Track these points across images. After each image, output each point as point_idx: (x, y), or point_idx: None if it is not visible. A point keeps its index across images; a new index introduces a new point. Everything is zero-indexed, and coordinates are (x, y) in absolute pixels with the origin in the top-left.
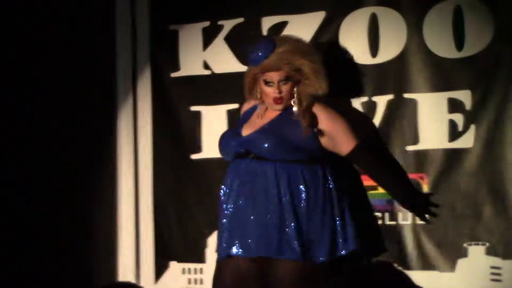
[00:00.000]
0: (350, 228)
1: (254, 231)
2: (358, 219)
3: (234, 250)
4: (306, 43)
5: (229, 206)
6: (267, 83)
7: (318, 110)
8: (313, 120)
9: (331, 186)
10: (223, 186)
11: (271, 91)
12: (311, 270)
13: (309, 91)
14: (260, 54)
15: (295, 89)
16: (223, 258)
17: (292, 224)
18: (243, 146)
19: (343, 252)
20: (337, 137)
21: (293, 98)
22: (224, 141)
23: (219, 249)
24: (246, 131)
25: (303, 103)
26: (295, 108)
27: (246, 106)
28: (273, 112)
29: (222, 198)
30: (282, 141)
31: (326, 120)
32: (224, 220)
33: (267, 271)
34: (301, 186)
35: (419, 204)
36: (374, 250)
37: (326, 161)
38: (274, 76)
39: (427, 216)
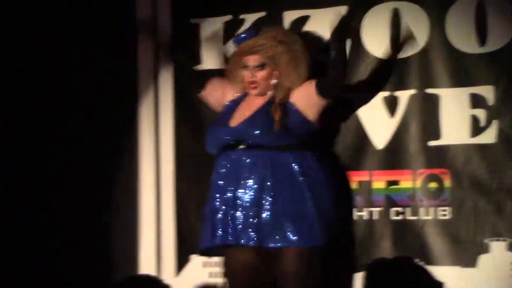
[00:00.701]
0: (336, 214)
1: (254, 221)
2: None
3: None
4: (289, 34)
5: (226, 197)
6: (244, 66)
7: (296, 91)
8: (288, 110)
9: (321, 171)
10: (215, 179)
11: (247, 75)
12: (311, 255)
13: (286, 84)
14: (241, 37)
15: (273, 81)
16: (229, 248)
17: (288, 212)
18: (234, 136)
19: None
20: (303, 88)
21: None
22: (212, 133)
23: (211, 239)
24: (235, 122)
25: (277, 96)
26: (269, 93)
27: (228, 98)
28: (258, 100)
29: (217, 187)
30: (272, 127)
31: (298, 92)
32: (220, 212)
33: (271, 260)
34: (295, 174)
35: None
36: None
37: (315, 146)
38: (250, 60)
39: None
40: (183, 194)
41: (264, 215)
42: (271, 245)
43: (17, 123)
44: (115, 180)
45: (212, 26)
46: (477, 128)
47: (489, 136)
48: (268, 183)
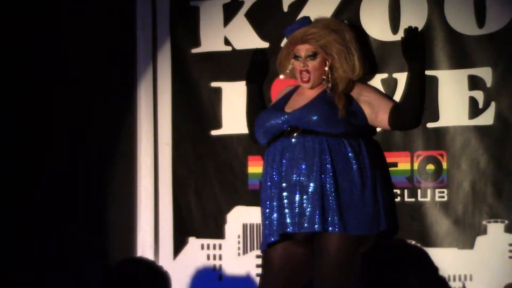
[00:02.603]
0: (388, 205)
1: (314, 207)
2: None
3: (290, 228)
4: (341, 23)
5: (287, 184)
6: (295, 57)
7: (359, 86)
8: (351, 103)
9: (372, 160)
10: (270, 167)
11: (298, 65)
12: (355, 243)
13: (342, 75)
14: (292, 26)
15: (326, 68)
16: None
17: (349, 199)
18: (290, 121)
19: (382, 228)
20: (377, 101)
21: (325, 78)
22: (265, 118)
23: (272, 231)
24: (289, 110)
25: (338, 87)
26: (328, 91)
27: (286, 90)
28: (312, 91)
29: (273, 178)
30: (329, 113)
31: (365, 91)
32: (284, 200)
33: (314, 245)
34: (351, 160)
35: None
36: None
37: (367, 135)
38: (301, 49)
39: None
40: (181, 178)
41: (327, 201)
42: (335, 230)
43: (15, 108)
44: (114, 162)
45: (211, 8)
46: (475, 110)
47: (487, 118)
48: (329, 169)
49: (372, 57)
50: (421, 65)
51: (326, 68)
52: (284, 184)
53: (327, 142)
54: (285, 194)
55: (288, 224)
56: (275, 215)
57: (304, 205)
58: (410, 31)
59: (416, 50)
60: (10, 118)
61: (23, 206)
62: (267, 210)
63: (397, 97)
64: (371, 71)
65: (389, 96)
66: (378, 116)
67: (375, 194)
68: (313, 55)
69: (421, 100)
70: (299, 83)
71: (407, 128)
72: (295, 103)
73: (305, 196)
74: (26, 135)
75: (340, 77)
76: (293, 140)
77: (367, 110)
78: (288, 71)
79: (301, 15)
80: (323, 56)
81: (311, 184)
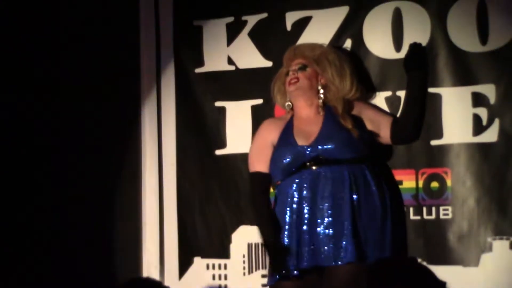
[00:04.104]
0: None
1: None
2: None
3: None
4: (329, 45)
5: (309, 216)
6: (287, 74)
7: (358, 105)
8: (356, 120)
9: (387, 184)
10: (290, 202)
11: (288, 78)
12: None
13: (338, 95)
14: None
15: (319, 87)
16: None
17: (374, 226)
18: (310, 154)
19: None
20: (377, 117)
21: (316, 92)
22: (283, 154)
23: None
24: (304, 141)
25: (338, 108)
26: (320, 101)
27: (274, 127)
28: (313, 115)
29: (294, 217)
30: (347, 138)
31: (366, 109)
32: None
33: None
34: (371, 186)
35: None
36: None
37: (376, 158)
38: (292, 64)
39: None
40: (186, 197)
41: (351, 231)
42: (371, 260)
43: (20, 127)
44: (118, 184)
45: (214, 28)
46: (479, 127)
47: (491, 135)
48: (355, 199)
49: (375, 75)
50: (422, 77)
51: (320, 88)
52: (307, 216)
53: (348, 169)
54: (304, 228)
55: (321, 258)
56: (306, 248)
57: (337, 237)
58: (414, 46)
59: (418, 63)
60: (12, 140)
61: (26, 228)
62: (287, 241)
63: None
64: (374, 89)
65: (387, 112)
66: (380, 131)
67: (395, 220)
68: (303, 68)
69: (420, 112)
70: (287, 92)
71: (408, 141)
72: (305, 133)
73: (330, 228)
74: (30, 159)
75: (334, 95)
76: (315, 171)
77: (370, 127)
78: (286, 104)
79: (304, 34)
80: (314, 69)
81: (335, 216)
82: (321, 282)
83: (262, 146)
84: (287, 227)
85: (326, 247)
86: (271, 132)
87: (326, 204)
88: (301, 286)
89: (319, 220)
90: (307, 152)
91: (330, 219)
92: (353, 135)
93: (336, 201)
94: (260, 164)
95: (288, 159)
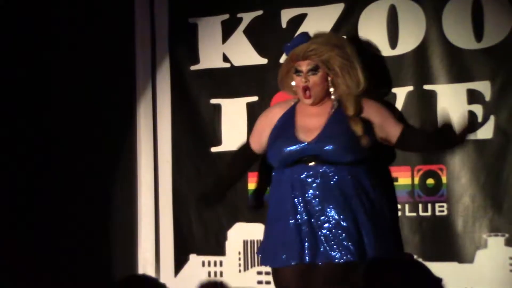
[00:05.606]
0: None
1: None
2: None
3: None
4: (342, 38)
5: (302, 216)
6: (297, 72)
7: (367, 105)
8: (365, 124)
9: (381, 186)
10: (287, 193)
11: (299, 80)
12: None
13: (343, 90)
14: (291, 43)
15: (331, 89)
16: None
17: (365, 226)
18: (308, 151)
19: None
20: (386, 124)
21: (328, 93)
22: (280, 149)
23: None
24: (304, 136)
25: (350, 109)
26: (335, 103)
27: (279, 112)
28: (318, 109)
29: (288, 208)
30: (348, 142)
31: (376, 113)
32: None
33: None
34: (368, 189)
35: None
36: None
37: (374, 160)
38: (303, 64)
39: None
40: (181, 194)
41: (349, 230)
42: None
43: (16, 122)
44: (114, 180)
45: (210, 25)
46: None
47: (486, 132)
48: (350, 200)
49: (370, 72)
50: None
51: (331, 89)
52: (305, 211)
53: (347, 171)
54: (304, 220)
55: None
56: (297, 239)
57: (327, 237)
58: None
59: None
60: (10, 134)
61: (22, 225)
62: (281, 229)
63: None
64: (370, 86)
65: (396, 110)
66: (387, 137)
67: (383, 220)
68: (315, 69)
69: (436, 147)
70: (300, 99)
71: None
72: (307, 128)
73: (326, 227)
74: (25, 154)
75: (344, 94)
76: (312, 169)
77: (378, 132)
78: (292, 88)
79: (299, 31)
80: (325, 70)
81: (333, 214)
82: (310, 275)
83: (264, 127)
84: (287, 217)
85: (323, 245)
86: (276, 118)
87: (317, 199)
88: (298, 275)
89: (313, 218)
90: (306, 148)
91: (324, 217)
92: (358, 139)
93: (331, 201)
94: (254, 142)
95: (285, 152)
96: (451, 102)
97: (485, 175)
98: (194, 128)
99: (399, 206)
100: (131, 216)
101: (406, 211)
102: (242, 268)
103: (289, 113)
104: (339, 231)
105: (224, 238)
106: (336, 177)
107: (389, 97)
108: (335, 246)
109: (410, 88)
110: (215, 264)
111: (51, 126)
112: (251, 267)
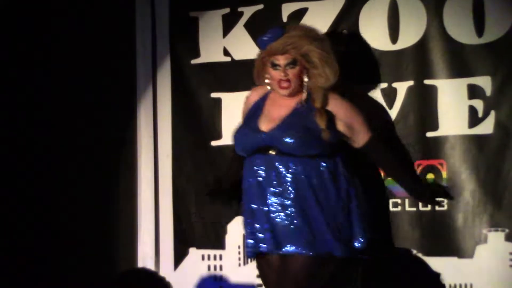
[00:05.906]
0: (364, 223)
1: (290, 228)
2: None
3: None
4: (317, 31)
5: (266, 202)
6: (274, 66)
7: (335, 100)
8: (330, 119)
9: (349, 178)
10: (253, 182)
11: (277, 74)
12: (324, 263)
13: (319, 82)
14: (267, 37)
15: (305, 79)
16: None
17: (319, 219)
18: (265, 141)
19: (358, 246)
20: (354, 128)
21: (302, 86)
22: (241, 138)
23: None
24: (265, 125)
25: (317, 100)
26: (302, 102)
27: (255, 97)
28: (287, 101)
29: (248, 195)
30: (306, 136)
31: (344, 110)
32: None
33: (283, 265)
34: (325, 182)
35: (425, 194)
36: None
37: (344, 150)
38: (280, 59)
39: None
40: (181, 188)
41: (304, 222)
42: (321, 251)
43: (16, 121)
44: (114, 175)
45: (210, 19)
46: (475, 119)
47: (487, 127)
48: (307, 191)
49: (371, 66)
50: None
51: (305, 79)
52: (264, 200)
53: (303, 162)
54: (264, 209)
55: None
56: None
57: (284, 226)
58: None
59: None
60: (10, 133)
61: (23, 219)
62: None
63: (396, 107)
64: (370, 81)
65: (365, 119)
66: (352, 138)
67: (349, 213)
68: (293, 63)
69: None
70: (277, 91)
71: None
72: (270, 117)
73: (283, 217)
74: (25, 149)
75: (315, 87)
76: (269, 158)
77: (341, 128)
78: (267, 81)
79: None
80: (303, 64)
81: (289, 204)
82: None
83: (244, 115)
84: (248, 206)
85: (280, 237)
86: (251, 103)
87: (272, 189)
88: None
89: (273, 209)
90: (262, 138)
91: (279, 209)
92: (319, 133)
93: (285, 193)
94: None
95: (244, 141)
96: (452, 97)
97: (485, 170)
98: (194, 122)
99: (399, 201)
100: (131, 210)
101: (406, 206)
102: (241, 262)
103: (261, 101)
104: (292, 227)
105: (224, 232)
106: (291, 169)
107: (390, 92)
108: (289, 239)
109: (411, 83)
110: (214, 258)
111: (50, 119)
112: (251, 261)
